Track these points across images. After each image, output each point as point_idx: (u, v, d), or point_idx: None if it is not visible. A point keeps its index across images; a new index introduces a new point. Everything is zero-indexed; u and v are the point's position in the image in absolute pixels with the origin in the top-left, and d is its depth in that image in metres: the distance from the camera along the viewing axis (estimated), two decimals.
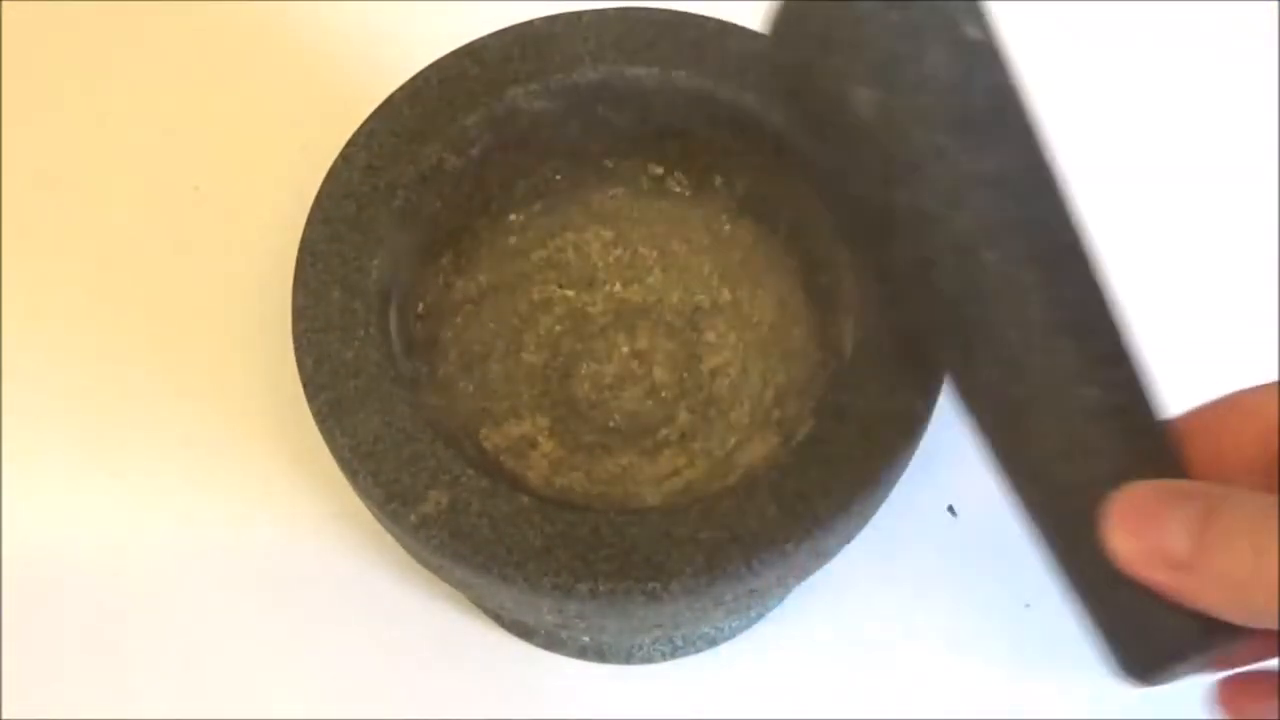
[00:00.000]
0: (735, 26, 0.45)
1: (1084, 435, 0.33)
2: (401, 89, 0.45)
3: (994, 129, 0.32)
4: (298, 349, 0.41)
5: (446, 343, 0.46)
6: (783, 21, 0.32)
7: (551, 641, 0.46)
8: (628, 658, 0.46)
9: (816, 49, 0.31)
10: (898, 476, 0.40)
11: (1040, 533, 0.35)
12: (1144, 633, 0.34)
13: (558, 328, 0.47)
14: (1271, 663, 0.33)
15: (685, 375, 0.46)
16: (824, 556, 0.40)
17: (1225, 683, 0.34)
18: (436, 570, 0.40)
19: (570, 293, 0.47)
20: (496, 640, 0.46)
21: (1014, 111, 0.33)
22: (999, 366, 0.33)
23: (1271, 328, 0.51)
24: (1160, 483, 0.31)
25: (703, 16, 0.45)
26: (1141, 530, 0.30)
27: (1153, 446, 0.33)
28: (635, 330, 0.47)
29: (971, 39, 0.31)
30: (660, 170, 0.47)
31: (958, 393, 0.35)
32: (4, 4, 0.57)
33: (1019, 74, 0.33)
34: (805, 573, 0.41)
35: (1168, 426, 0.34)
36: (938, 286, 0.33)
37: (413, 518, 0.38)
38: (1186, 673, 0.34)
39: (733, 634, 0.46)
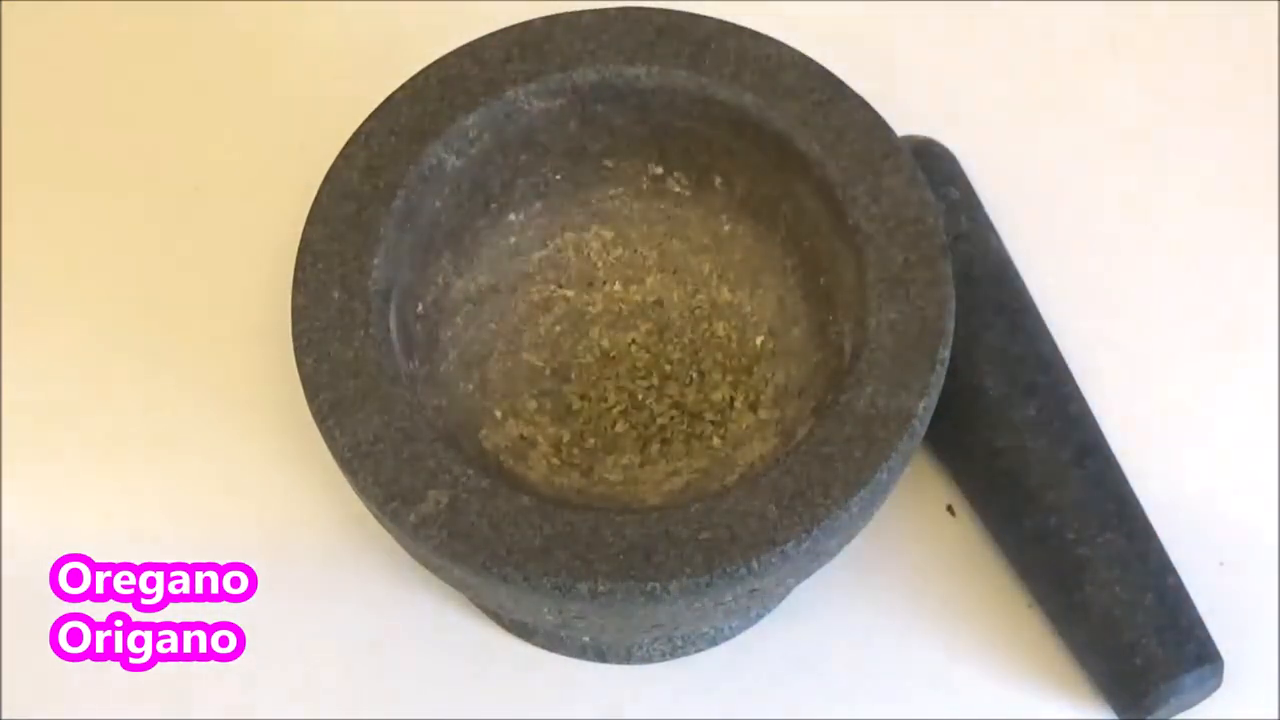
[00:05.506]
0: (735, 26, 0.45)
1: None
2: (401, 89, 0.45)
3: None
4: (298, 349, 0.41)
5: (446, 343, 0.46)
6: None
7: (551, 641, 0.46)
8: (628, 657, 0.46)
9: None
10: (898, 476, 0.40)
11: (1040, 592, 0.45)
12: (1139, 669, 0.42)
13: (558, 328, 0.47)
14: None
15: (685, 375, 0.46)
16: (824, 556, 0.40)
17: None
18: (436, 570, 0.40)
19: (570, 293, 0.47)
20: (496, 640, 0.46)
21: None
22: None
23: (1272, 331, 0.51)
24: None
25: (702, 16, 0.45)
26: None
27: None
28: (635, 330, 0.47)
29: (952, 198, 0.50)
30: (660, 170, 0.47)
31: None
32: (4, 4, 0.57)
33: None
34: (805, 573, 0.41)
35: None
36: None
37: (412, 518, 0.38)
38: (1180, 702, 0.43)
39: (733, 634, 0.46)
